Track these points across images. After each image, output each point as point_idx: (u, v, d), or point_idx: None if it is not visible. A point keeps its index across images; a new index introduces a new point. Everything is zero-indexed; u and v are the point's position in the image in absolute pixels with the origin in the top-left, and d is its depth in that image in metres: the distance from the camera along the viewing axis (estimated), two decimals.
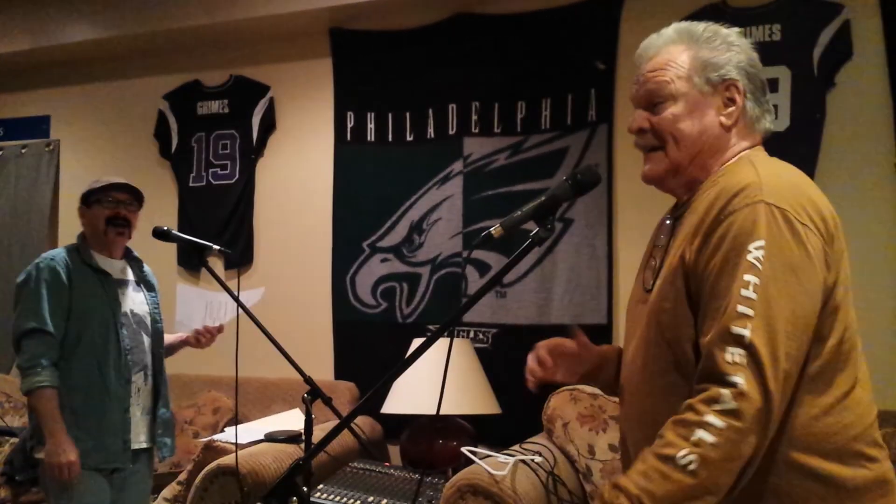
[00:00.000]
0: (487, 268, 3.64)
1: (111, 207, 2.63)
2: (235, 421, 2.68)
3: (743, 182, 1.24)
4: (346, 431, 3.44)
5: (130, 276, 2.75)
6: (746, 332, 1.15)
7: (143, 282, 2.79)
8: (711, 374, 1.17)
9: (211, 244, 2.53)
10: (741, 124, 1.37)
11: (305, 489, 1.33)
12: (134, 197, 2.71)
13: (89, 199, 2.65)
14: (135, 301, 2.71)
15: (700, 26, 1.40)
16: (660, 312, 1.30)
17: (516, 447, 2.88)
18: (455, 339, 3.52)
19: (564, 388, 3.09)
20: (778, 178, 1.26)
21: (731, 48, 1.37)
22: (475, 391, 3.22)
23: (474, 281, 3.67)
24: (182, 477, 3.19)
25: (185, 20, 4.13)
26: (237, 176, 4.24)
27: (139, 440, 2.65)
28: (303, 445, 3.11)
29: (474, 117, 3.72)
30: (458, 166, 3.74)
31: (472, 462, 2.89)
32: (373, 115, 3.93)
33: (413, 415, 3.26)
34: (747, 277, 1.17)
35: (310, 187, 4.09)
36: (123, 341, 2.60)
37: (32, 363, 2.42)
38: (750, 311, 1.16)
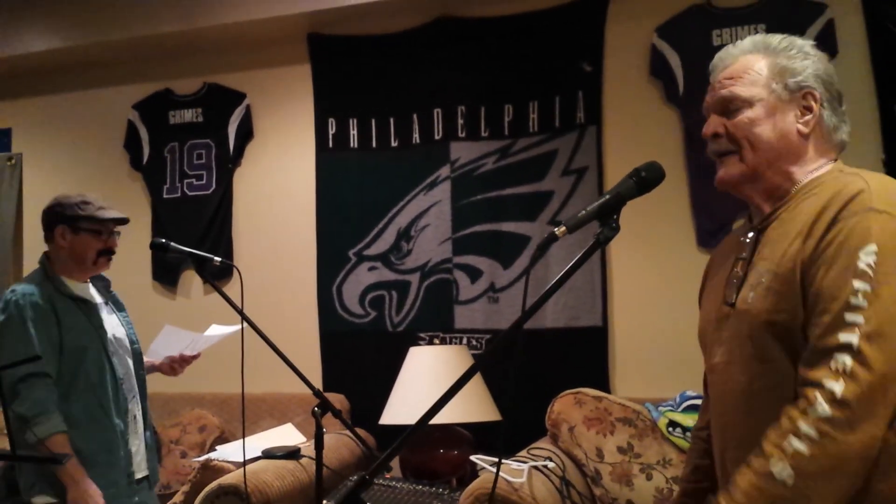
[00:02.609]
0: (479, 273, 3.61)
1: (106, 240, 2.49)
2: (243, 438, 2.57)
3: (853, 190, 1.24)
4: (345, 444, 3.36)
5: (99, 298, 2.59)
6: (854, 340, 1.14)
7: (114, 302, 2.65)
8: (814, 381, 1.16)
9: (212, 256, 2.43)
10: (818, 133, 1.37)
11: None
12: (120, 224, 2.59)
13: (78, 226, 2.46)
14: (113, 324, 2.56)
15: (776, 37, 1.41)
16: (770, 324, 1.27)
17: (523, 453, 2.85)
18: (452, 347, 3.48)
19: (567, 391, 3.07)
20: (885, 187, 1.26)
21: (808, 57, 1.37)
22: (474, 399, 3.18)
23: (465, 286, 3.63)
24: (178, 499, 3.07)
25: (154, 27, 4.01)
26: (214, 186, 4.13)
27: (141, 469, 2.53)
28: (303, 461, 3.04)
29: (460, 121, 3.68)
30: (445, 171, 3.70)
31: (478, 470, 2.85)
32: (355, 121, 3.87)
33: (409, 425, 3.19)
34: (857, 284, 1.16)
35: (291, 196, 4.00)
36: (117, 371, 2.46)
37: (38, 410, 2.23)
38: (859, 319, 1.15)
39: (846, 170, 1.34)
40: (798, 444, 1.13)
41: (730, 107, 1.38)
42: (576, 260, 1.31)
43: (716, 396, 1.43)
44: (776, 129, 1.35)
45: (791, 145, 1.36)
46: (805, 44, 1.40)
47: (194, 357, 2.76)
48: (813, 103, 1.36)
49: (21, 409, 2.23)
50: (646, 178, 1.31)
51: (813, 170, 1.36)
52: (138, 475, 2.50)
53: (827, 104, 1.37)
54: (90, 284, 2.57)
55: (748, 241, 1.41)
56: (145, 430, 2.58)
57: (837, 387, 1.13)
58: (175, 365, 2.73)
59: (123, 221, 2.55)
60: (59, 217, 2.48)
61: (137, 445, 2.52)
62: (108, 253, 2.52)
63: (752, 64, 1.38)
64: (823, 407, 1.13)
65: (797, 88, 1.35)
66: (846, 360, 1.14)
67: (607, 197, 1.31)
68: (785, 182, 1.37)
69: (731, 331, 1.36)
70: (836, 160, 1.39)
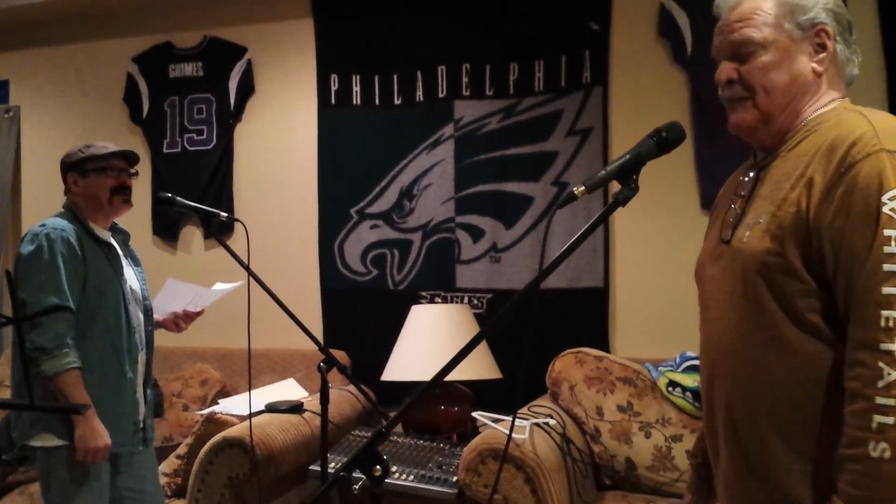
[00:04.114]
0: (481, 233, 3.61)
1: (116, 176, 2.48)
2: (248, 391, 2.60)
3: (857, 131, 1.22)
4: (346, 399, 3.40)
5: (119, 250, 2.60)
6: None
7: (131, 256, 2.66)
8: (865, 342, 1.15)
9: (218, 212, 2.43)
10: (832, 69, 1.35)
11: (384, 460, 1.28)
12: (129, 163, 2.58)
13: (85, 168, 2.47)
14: (129, 277, 2.57)
15: None
16: (763, 265, 1.27)
17: (524, 410, 2.89)
18: (454, 305, 3.49)
19: (569, 350, 3.10)
20: (888, 123, 1.24)
21: None
22: (476, 356, 3.20)
23: (467, 246, 3.64)
24: (181, 451, 3.10)
25: None
26: (215, 141, 4.09)
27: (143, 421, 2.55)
28: (306, 415, 3.08)
29: (465, 80, 3.65)
30: (448, 130, 3.68)
31: (479, 427, 2.89)
32: (358, 77, 3.83)
33: (412, 382, 3.23)
34: (888, 232, 1.15)
35: (293, 153, 3.98)
36: (132, 319, 2.47)
37: (58, 342, 2.25)
38: None
39: (850, 107, 1.33)
40: (882, 419, 1.12)
41: (742, 51, 1.35)
42: (594, 220, 1.31)
43: (706, 331, 1.44)
44: (791, 72, 1.33)
45: (805, 86, 1.34)
46: None
47: (198, 313, 2.77)
48: (826, 40, 1.33)
49: (41, 340, 2.24)
50: (667, 139, 1.31)
51: (821, 106, 1.35)
52: (142, 426, 2.52)
53: (839, 37, 1.35)
54: (111, 235, 2.58)
55: (748, 179, 1.40)
56: (146, 385, 2.60)
57: (894, 346, 1.12)
58: (179, 321, 2.74)
59: (128, 154, 2.54)
60: (67, 166, 2.51)
61: (141, 397, 2.54)
62: (122, 191, 2.50)
63: (761, 4, 1.35)
64: (888, 371, 1.12)
65: (809, 26, 1.33)
66: (894, 314, 1.12)
67: (627, 157, 1.31)
68: (793, 121, 1.35)
69: (724, 268, 1.37)
70: (844, 97, 1.37)
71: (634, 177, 1.31)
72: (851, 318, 1.19)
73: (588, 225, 1.31)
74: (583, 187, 1.30)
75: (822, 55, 1.34)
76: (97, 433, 2.28)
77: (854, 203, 1.19)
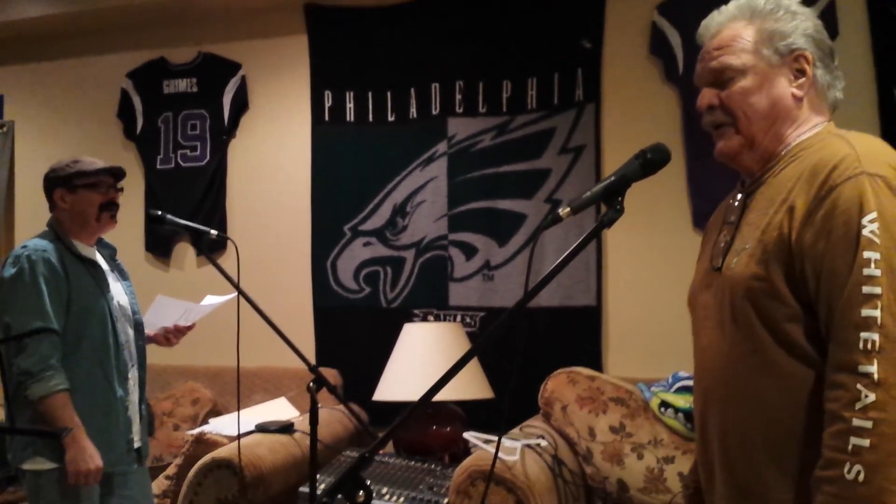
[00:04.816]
0: (474, 250, 3.60)
1: (104, 192, 2.47)
2: (237, 411, 2.58)
3: (838, 154, 1.23)
4: (338, 419, 3.37)
5: (104, 265, 2.58)
6: (876, 313, 1.12)
7: (119, 271, 2.64)
8: (844, 364, 1.14)
9: (208, 229, 2.41)
10: (812, 94, 1.35)
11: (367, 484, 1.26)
12: (116, 179, 2.56)
13: (73, 183, 2.45)
14: (117, 292, 2.55)
15: (762, 1, 1.37)
16: (749, 290, 1.27)
17: (515, 431, 2.86)
18: (446, 324, 3.47)
19: (561, 370, 3.08)
20: (870, 147, 1.25)
21: (796, 16, 1.34)
22: (468, 376, 3.18)
23: (461, 263, 3.62)
24: (171, 471, 3.07)
25: None
26: (208, 157, 4.09)
27: (136, 440, 2.51)
28: (296, 435, 3.05)
29: (458, 97, 3.65)
30: (442, 147, 3.67)
31: (470, 448, 2.86)
32: (352, 94, 3.83)
33: (403, 402, 3.20)
34: (867, 254, 1.14)
35: (286, 169, 3.97)
36: (119, 336, 2.45)
37: (43, 365, 2.22)
38: (877, 290, 1.13)
39: (834, 131, 1.33)
40: (858, 441, 1.11)
41: (722, 77, 1.36)
42: (579, 241, 1.29)
43: (698, 358, 1.43)
44: (770, 96, 1.34)
45: (786, 110, 1.34)
46: (791, 3, 1.37)
47: (189, 328, 2.74)
48: (805, 65, 1.33)
49: (26, 364, 2.22)
50: (651, 160, 1.29)
51: (805, 131, 1.34)
52: (136, 444, 2.49)
53: (819, 62, 1.35)
54: (96, 251, 2.56)
55: (736, 204, 1.40)
56: (140, 402, 2.58)
57: (872, 368, 1.11)
58: (170, 335, 2.71)
59: (116, 170, 2.52)
60: (54, 181, 2.48)
61: (134, 414, 2.51)
62: (110, 207, 2.49)
63: (740, 31, 1.36)
64: (867, 394, 1.11)
65: (788, 52, 1.33)
66: (873, 337, 1.12)
67: (612, 178, 1.29)
68: (776, 146, 1.35)
69: (714, 295, 1.36)
70: (828, 120, 1.37)
71: (620, 198, 1.30)
72: (832, 340, 1.18)
73: (573, 247, 1.29)
74: (568, 209, 1.29)
75: (801, 80, 1.34)
76: (87, 455, 2.25)
77: (835, 226, 1.19)
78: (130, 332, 2.56)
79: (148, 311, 2.71)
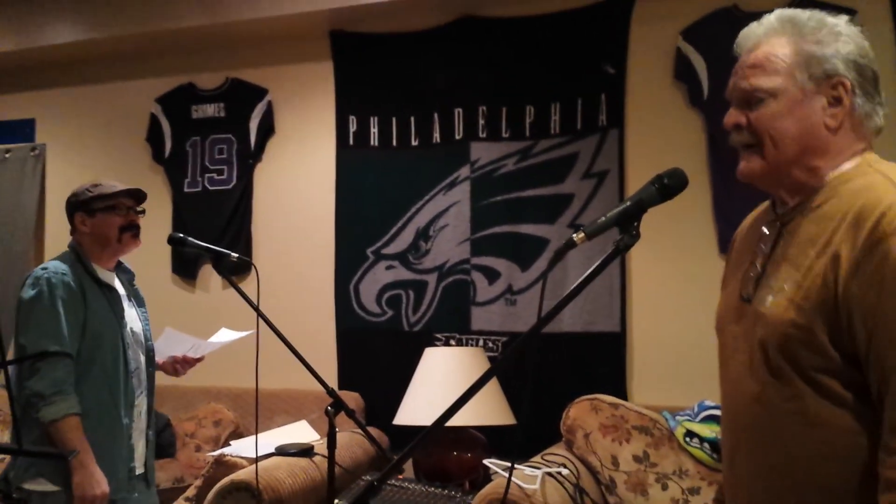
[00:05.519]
0: (497, 274, 3.58)
1: (124, 215, 2.49)
2: (256, 433, 2.58)
3: (885, 199, 1.16)
4: (358, 443, 3.35)
5: (122, 289, 2.58)
6: None
7: (135, 297, 2.65)
8: None
9: (229, 252, 2.42)
10: (848, 124, 1.27)
11: None
12: (137, 201, 2.58)
13: (93, 207, 2.47)
14: (132, 318, 2.55)
15: (805, 14, 1.29)
16: (786, 337, 1.21)
17: (537, 458, 2.82)
18: (467, 348, 3.46)
19: (584, 397, 3.04)
20: None
21: (839, 39, 1.25)
22: (489, 401, 3.15)
23: (483, 288, 3.61)
24: (191, 493, 3.07)
25: (178, 21, 4.02)
26: (234, 181, 4.13)
27: (140, 466, 2.51)
28: (316, 459, 3.04)
29: (481, 122, 3.66)
30: (465, 171, 3.68)
31: (491, 475, 2.83)
32: (376, 119, 3.86)
33: (423, 426, 3.18)
34: None
35: (311, 193, 4.00)
36: (130, 363, 2.45)
37: (56, 388, 2.23)
38: None
39: (874, 164, 1.26)
40: None
41: (751, 98, 1.29)
42: (594, 267, 1.27)
43: (726, 391, 1.38)
44: (800, 123, 1.26)
45: (817, 140, 1.26)
46: (837, 22, 1.27)
47: (198, 360, 2.72)
48: (843, 93, 1.25)
49: (39, 387, 2.22)
50: (668, 185, 1.27)
51: (840, 163, 1.27)
52: (138, 471, 2.49)
53: (859, 90, 1.25)
54: (115, 275, 2.57)
55: (768, 233, 1.34)
56: (148, 427, 2.57)
57: None
58: (178, 366, 2.69)
59: (136, 193, 2.54)
60: (74, 205, 2.50)
61: (140, 441, 2.52)
62: (131, 229, 2.50)
63: (776, 49, 1.28)
64: None
65: (825, 78, 1.25)
66: None
67: (628, 203, 1.27)
68: (810, 178, 1.28)
69: (745, 330, 1.31)
70: (866, 149, 1.29)
71: (636, 223, 1.27)
72: (887, 402, 1.12)
73: (587, 273, 1.27)
74: (582, 234, 1.28)
75: (836, 109, 1.26)
76: (94, 480, 2.25)
77: (886, 279, 1.12)
78: (142, 358, 2.56)
79: (157, 342, 2.71)
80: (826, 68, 1.25)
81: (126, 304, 2.54)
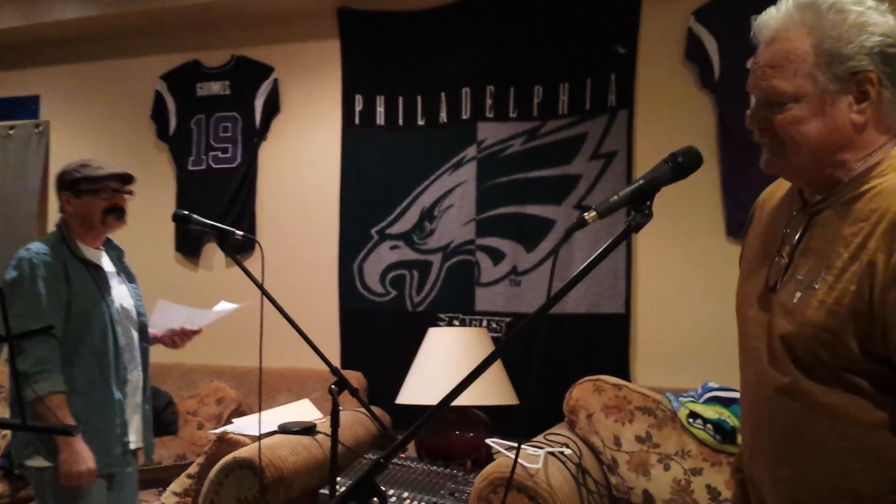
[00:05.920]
0: (502, 255, 3.57)
1: (108, 198, 2.48)
2: (259, 411, 2.58)
3: None
4: (360, 422, 3.36)
5: (111, 266, 2.60)
6: None
7: (125, 273, 2.65)
8: None
9: (234, 230, 2.41)
10: (877, 115, 1.23)
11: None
12: (124, 183, 2.57)
13: (78, 188, 2.46)
14: (121, 294, 2.57)
15: (826, 3, 1.22)
16: (812, 339, 1.20)
17: (539, 438, 2.82)
18: (471, 329, 3.45)
19: (587, 378, 3.03)
20: None
21: (864, 30, 1.19)
22: (492, 382, 3.15)
23: (487, 268, 3.60)
24: (192, 470, 3.08)
25: None
26: (239, 160, 4.11)
27: (136, 441, 2.54)
28: (318, 437, 3.04)
29: (489, 101, 3.63)
30: (471, 152, 3.65)
31: (493, 454, 2.83)
32: (383, 98, 3.83)
33: (426, 406, 3.18)
34: None
35: (316, 172, 3.98)
36: (119, 340, 2.46)
37: (40, 367, 2.25)
38: None
39: None
40: None
41: (772, 101, 1.25)
42: (605, 247, 1.25)
43: (748, 381, 1.36)
44: (825, 125, 1.22)
45: (843, 138, 1.23)
46: (861, 10, 1.20)
47: (195, 332, 2.74)
48: (869, 87, 1.20)
49: (24, 366, 2.24)
50: (682, 164, 1.24)
51: (869, 154, 1.23)
52: (133, 447, 2.51)
53: (887, 80, 1.20)
54: (103, 253, 2.58)
55: (796, 222, 1.32)
56: (143, 403, 2.59)
57: None
58: (175, 338, 2.71)
59: (123, 177, 2.53)
60: (61, 184, 2.51)
61: (134, 417, 2.53)
62: (115, 212, 2.50)
63: (796, 46, 1.22)
64: None
65: (848, 76, 1.20)
66: None
67: (641, 182, 1.25)
68: (837, 171, 1.25)
69: (768, 320, 1.29)
70: (892, 139, 1.25)
71: (648, 202, 1.25)
72: None
73: (598, 253, 1.26)
74: (594, 213, 1.26)
75: (863, 104, 1.22)
76: (80, 457, 2.27)
77: None
78: (134, 334, 2.58)
79: (152, 315, 2.72)
80: (849, 66, 1.20)
81: (115, 280, 2.56)
